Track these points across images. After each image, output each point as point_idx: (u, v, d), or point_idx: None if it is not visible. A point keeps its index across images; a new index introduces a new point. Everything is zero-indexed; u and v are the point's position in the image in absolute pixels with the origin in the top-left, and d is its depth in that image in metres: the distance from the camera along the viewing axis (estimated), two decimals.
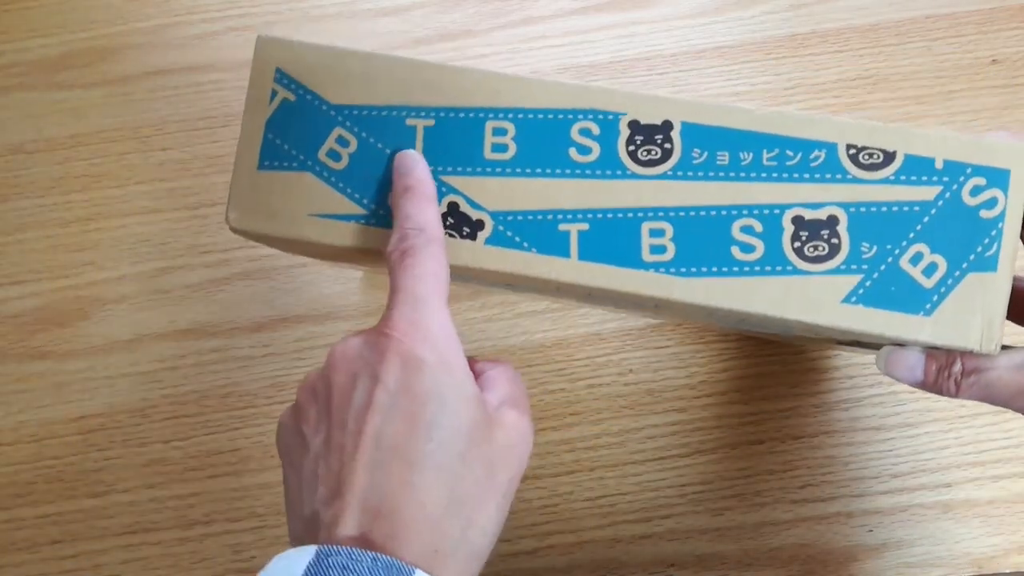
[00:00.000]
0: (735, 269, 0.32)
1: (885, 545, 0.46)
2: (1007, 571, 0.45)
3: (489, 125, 0.33)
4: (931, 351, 0.32)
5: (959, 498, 0.46)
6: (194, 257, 0.50)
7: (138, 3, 0.56)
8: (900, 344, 0.33)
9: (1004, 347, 0.32)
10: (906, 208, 0.32)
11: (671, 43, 0.54)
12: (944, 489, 0.46)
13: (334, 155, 0.34)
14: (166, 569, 0.46)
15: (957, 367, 0.32)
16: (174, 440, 0.48)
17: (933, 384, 0.32)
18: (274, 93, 0.34)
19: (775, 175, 0.32)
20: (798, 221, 0.32)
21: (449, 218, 0.33)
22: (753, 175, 0.32)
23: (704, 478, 0.47)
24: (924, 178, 0.32)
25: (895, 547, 0.46)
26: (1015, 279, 0.36)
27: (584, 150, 0.33)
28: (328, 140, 0.34)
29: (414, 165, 0.32)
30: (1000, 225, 0.31)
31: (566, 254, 0.32)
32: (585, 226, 0.33)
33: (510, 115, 0.33)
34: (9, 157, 0.53)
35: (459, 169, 0.33)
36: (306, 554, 0.26)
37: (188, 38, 0.55)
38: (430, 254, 0.30)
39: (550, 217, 0.33)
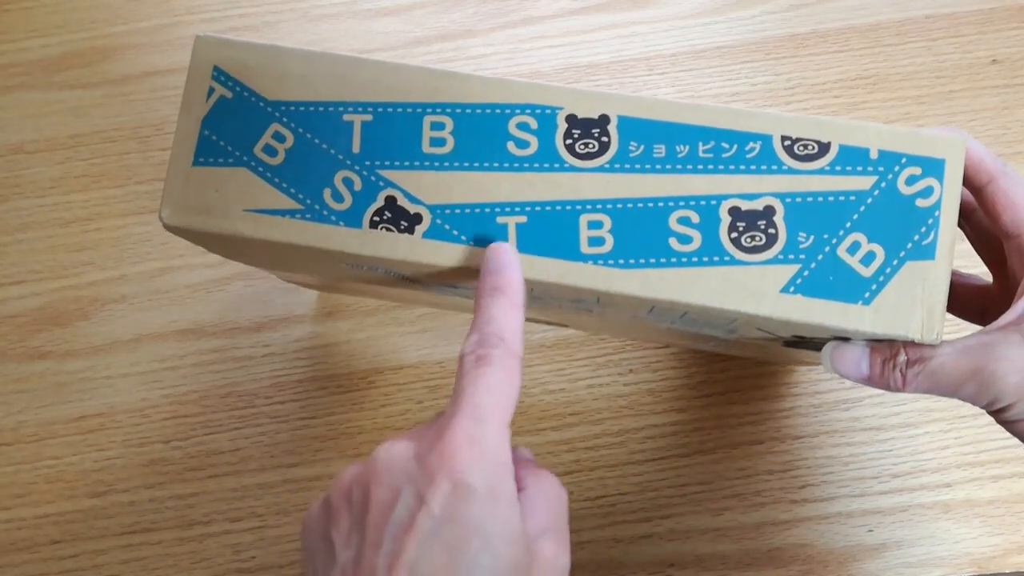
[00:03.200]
0: (673, 260, 0.32)
1: (885, 545, 0.46)
2: (1007, 571, 0.45)
3: (427, 120, 0.33)
4: (875, 344, 0.32)
5: (959, 498, 0.46)
6: (194, 257, 0.50)
7: (138, 3, 0.56)
8: (843, 338, 0.33)
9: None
10: (842, 198, 0.32)
11: (671, 43, 0.54)
12: (944, 489, 0.46)
13: (270, 151, 0.33)
14: (166, 569, 0.46)
15: (902, 358, 0.32)
16: (174, 440, 0.48)
17: (879, 377, 0.32)
18: (211, 91, 0.34)
19: (711, 167, 0.32)
20: (735, 212, 0.32)
21: (386, 212, 0.33)
22: (689, 167, 0.32)
23: (704, 478, 0.47)
24: (859, 168, 0.32)
25: (895, 547, 0.46)
26: (958, 275, 0.36)
27: (522, 144, 0.33)
28: (264, 136, 0.33)
29: (507, 264, 0.30)
30: (936, 214, 0.31)
31: None
32: (523, 219, 0.33)
33: (448, 110, 0.33)
34: (9, 157, 0.53)
35: (397, 163, 0.33)
36: None
37: (188, 38, 0.54)
38: (506, 368, 0.28)
39: (488, 210, 0.33)
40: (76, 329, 0.50)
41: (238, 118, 0.34)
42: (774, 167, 0.32)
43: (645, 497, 0.47)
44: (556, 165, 0.33)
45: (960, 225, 0.35)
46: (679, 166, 0.33)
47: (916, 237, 0.31)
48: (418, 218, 0.33)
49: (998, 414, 0.32)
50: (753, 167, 0.32)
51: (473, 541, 0.25)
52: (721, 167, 0.32)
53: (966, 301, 0.37)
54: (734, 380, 0.48)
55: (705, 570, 0.46)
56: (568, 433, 0.47)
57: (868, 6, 0.54)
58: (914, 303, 0.31)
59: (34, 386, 0.49)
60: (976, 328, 0.34)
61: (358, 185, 0.33)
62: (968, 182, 0.33)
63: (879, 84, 0.52)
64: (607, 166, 0.33)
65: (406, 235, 0.33)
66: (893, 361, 0.32)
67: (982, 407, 0.32)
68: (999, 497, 0.46)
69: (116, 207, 0.52)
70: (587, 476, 0.47)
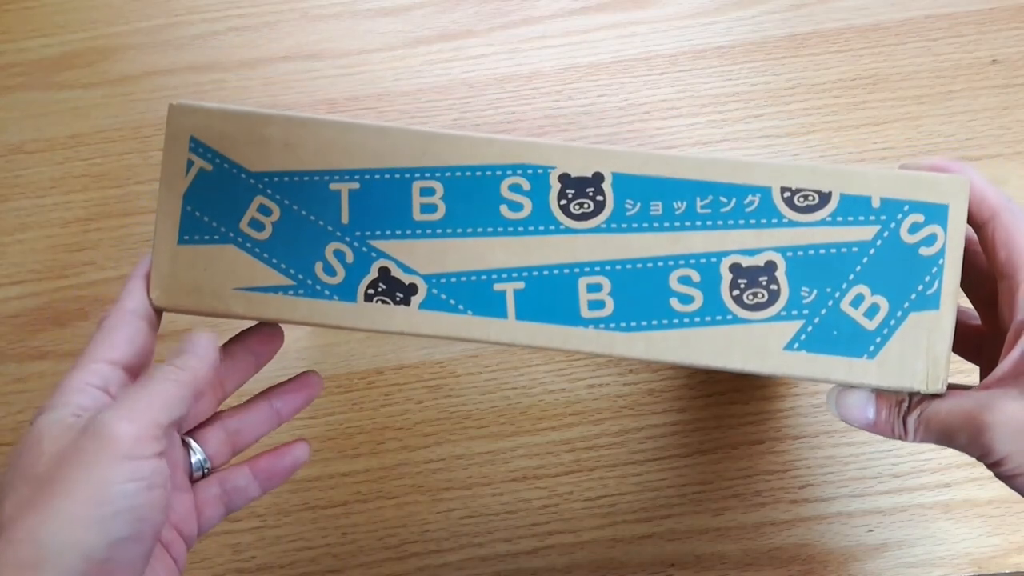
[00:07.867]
0: (675, 321, 0.31)
1: (885, 545, 0.46)
2: (1007, 571, 0.45)
3: (416, 185, 0.32)
4: (880, 393, 0.32)
5: (959, 498, 0.46)
6: None
7: (138, 3, 0.56)
8: (849, 387, 0.32)
9: (953, 385, 0.31)
10: (844, 250, 0.31)
11: (671, 43, 0.54)
12: (944, 489, 0.46)
13: (256, 225, 0.33)
14: None
15: (906, 405, 0.32)
16: None
17: (884, 424, 0.32)
18: (190, 163, 0.33)
19: (710, 223, 0.32)
20: (736, 268, 0.32)
21: (381, 284, 0.32)
22: (688, 224, 0.32)
23: (704, 478, 0.47)
24: (861, 218, 0.31)
25: (895, 547, 0.46)
26: (960, 312, 0.36)
27: (515, 206, 0.32)
28: (249, 210, 0.33)
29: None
30: (940, 262, 0.31)
31: (503, 314, 0.32)
32: (521, 285, 0.32)
33: (437, 174, 0.32)
34: (9, 157, 0.53)
35: (388, 233, 0.32)
36: None
37: (188, 38, 0.55)
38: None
39: (484, 277, 0.32)
40: (76, 329, 0.50)
41: (221, 192, 0.33)
42: (774, 220, 0.32)
43: (645, 497, 0.47)
44: (551, 227, 0.32)
45: None
46: (677, 223, 0.32)
47: (920, 287, 0.31)
48: (413, 289, 0.32)
49: (995, 468, 0.31)
50: (753, 221, 0.32)
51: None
52: (720, 222, 0.32)
53: (962, 337, 0.36)
54: (734, 380, 0.48)
55: (705, 570, 0.46)
56: (568, 433, 0.47)
57: (868, 6, 0.54)
58: (918, 354, 0.31)
59: (34, 386, 0.49)
60: (972, 362, 0.34)
61: (350, 257, 0.32)
62: (970, 218, 0.32)
63: (879, 84, 0.52)
64: (603, 226, 0.32)
65: (402, 307, 0.32)
66: (898, 409, 0.32)
67: (977, 459, 0.32)
68: (999, 497, 0.46)
69: (116, 207, 0.52)
70: (587, 476, 0.47)
